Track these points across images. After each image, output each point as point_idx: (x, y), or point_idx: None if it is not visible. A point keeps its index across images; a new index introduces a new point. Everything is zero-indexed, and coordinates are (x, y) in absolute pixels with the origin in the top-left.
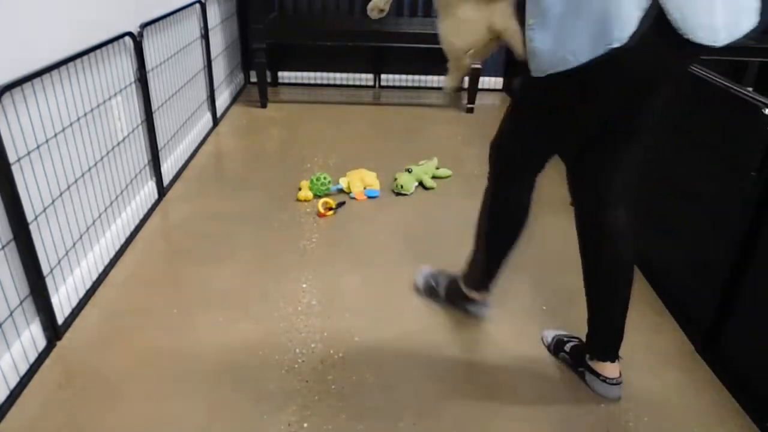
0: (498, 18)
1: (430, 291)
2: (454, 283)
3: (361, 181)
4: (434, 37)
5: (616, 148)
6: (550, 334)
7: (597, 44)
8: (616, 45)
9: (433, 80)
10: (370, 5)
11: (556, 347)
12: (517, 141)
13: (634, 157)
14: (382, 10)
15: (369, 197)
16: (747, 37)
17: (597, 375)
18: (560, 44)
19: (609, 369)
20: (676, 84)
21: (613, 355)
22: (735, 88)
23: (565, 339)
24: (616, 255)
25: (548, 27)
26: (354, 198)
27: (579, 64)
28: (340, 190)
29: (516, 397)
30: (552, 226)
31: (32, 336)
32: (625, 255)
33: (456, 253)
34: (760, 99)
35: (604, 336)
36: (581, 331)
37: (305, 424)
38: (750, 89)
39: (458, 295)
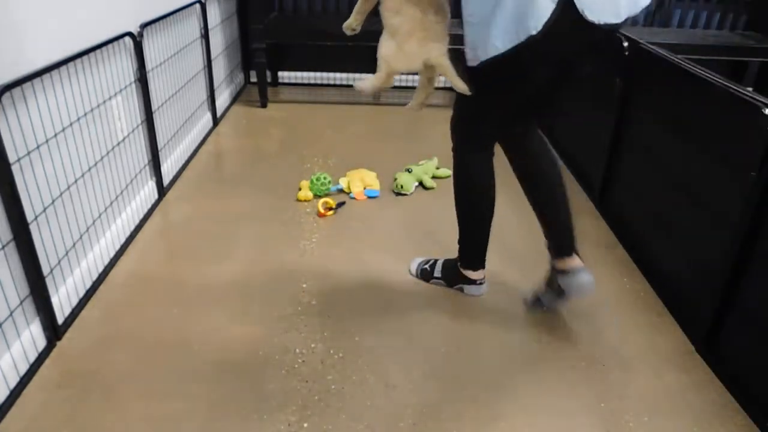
0: (434, 55)
1: (423, 273)
2: (450, 264)
3: (361, 181)
4: None
5: (541, 116)
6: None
7: (519, 34)
8: (533, 32)
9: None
10: (345, 24)
11: (534, 303)
12: (471, 116)
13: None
14: (354, 30)
15: (369, 197)
16: (644, 10)
17: (565, 273)
18: (487, 38)
19: (570, 262)
20: (597, 59)
21: (570, 249)
22: (735, 88)
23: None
24: (544, 167)
25: (476, 26)
26: (354, 198)
27: (505, 50)
28: (340, 190)
29: (516, 397)
30: None
31: (32, 336)
32: (551, 163)
33: (457, 249)
34: (760, 99)
35: (561, 236)
36: (582, 331)
37: (305, 424)
38: (750, 89)
39: (455, 275)
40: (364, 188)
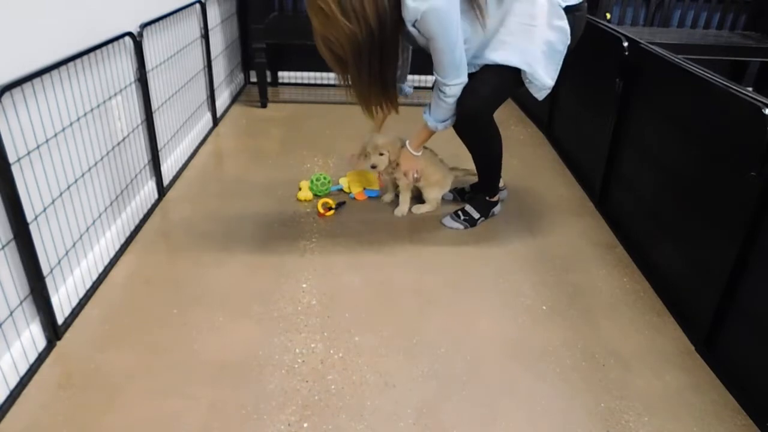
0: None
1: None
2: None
3: (360, 181)
4: None
5: None
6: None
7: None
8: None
9: (433, 80)
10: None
11: (471, 223)
12: (501, 102)
13: None
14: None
15: (369, 197)
16: None
17: (496, 203)
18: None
19: (496, 196)
20: None
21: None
22: (735, 88)
23: (476, 219)
24: None
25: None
26: (354, 198)
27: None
28: (340, 190)
29: (516, 397)
30: (553, 228)
31: (32, 336)
32: None
33: (457, 249)
34: (760, 99)
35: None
36: (582, 331)
37: (305, 424)
38: (750, 89)
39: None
40: (364, 188)
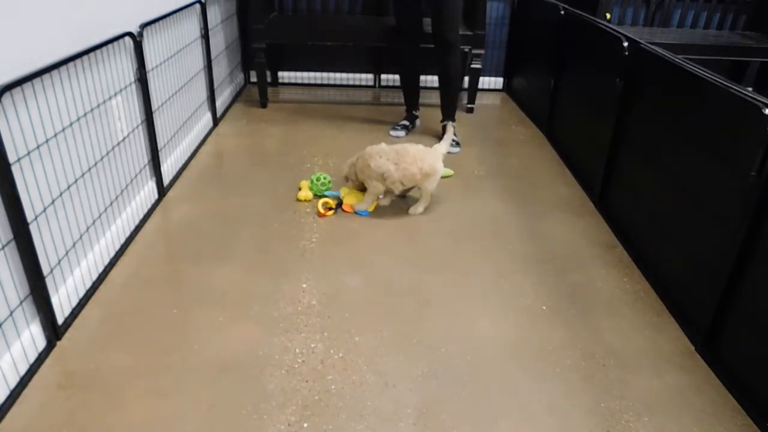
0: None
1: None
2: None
3: (358, 197)
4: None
5: None
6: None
7: None
8: None
9: (433, 80)
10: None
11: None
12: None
13: None
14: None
15: (356, 213)
16: None
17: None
18: None
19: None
20: None
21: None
22: (735, 88)
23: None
24: None
25: None
26: (341, 207)
27: None
28: (337, 197)
29: (516, 397)
30: (553, 228)
31: (32, 336)
32: None
33: (457, 249)
34: (760, 99)
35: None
36: (582, 331)
37: (305, 424)
38: (750, 89)
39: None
40: (356, 204)
